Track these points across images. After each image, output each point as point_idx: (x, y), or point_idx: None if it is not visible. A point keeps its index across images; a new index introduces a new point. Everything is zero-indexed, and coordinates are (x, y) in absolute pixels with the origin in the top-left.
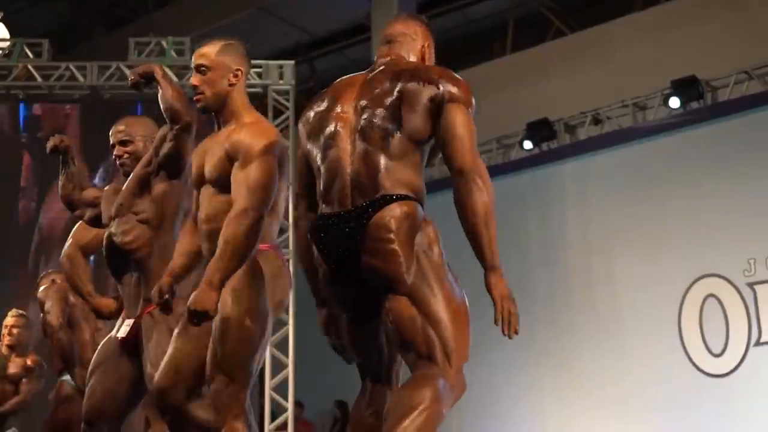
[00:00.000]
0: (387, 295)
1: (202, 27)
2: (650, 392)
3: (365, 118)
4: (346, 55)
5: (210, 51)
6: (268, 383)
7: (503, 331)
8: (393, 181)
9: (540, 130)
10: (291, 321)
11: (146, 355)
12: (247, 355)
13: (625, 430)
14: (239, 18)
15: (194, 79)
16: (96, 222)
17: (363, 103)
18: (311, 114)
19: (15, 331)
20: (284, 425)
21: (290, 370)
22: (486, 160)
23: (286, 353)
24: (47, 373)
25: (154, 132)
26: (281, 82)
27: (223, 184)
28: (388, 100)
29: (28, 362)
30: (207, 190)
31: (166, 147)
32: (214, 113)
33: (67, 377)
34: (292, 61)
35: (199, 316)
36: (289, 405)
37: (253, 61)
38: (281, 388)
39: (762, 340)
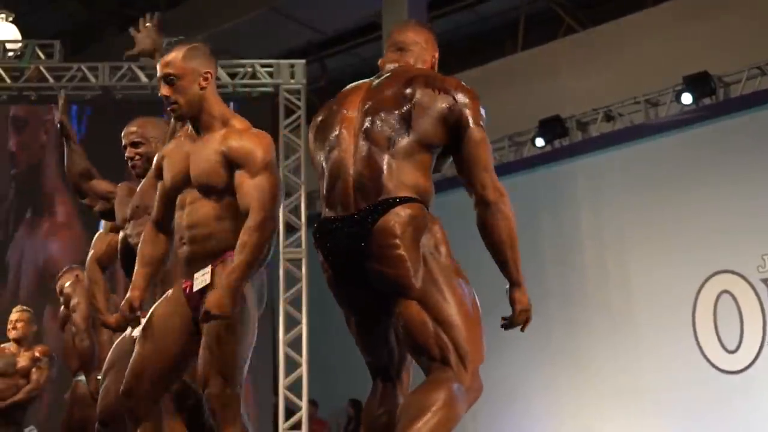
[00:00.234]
0: (396, 300)
1: (214, 27)
2: (665, 389)
3: (370, 120)
4: (357, 54)
5: (175, 58)
6: (282, 382)
7: (505, 327)
8: (396, 182)
9: (552, 127)
10: (304, 320)
11: None
12: (244, 356)
13: (641, 427)
14: (250, 17)
15: (164, 89)
16: (105, 215)
17: (369, 105)
18: (319, 120)
19: (19, 325)
20: (298, 424)
21: (304, 369)
22: (498, 158)
23: (299, 352)
24: (58, 363)
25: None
26: (292, 81)
27: (213, 190)
28: (398, 103)
29: (37, 354)
30: (190, 195)
31: None
32: (191, 119)
33: (82, 377)
34: (303, 61)
35: (215, 318)
36: (303, 404)
37: (265, 61)
38: (295, 387)
39: None
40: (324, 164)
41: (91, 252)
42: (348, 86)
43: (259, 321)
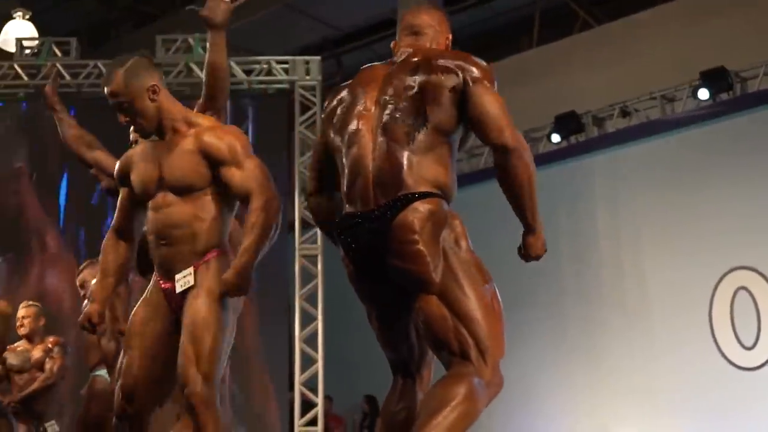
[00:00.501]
0: (416, 295)
1: (229, 23)
2: (682, 386)
3: (388, 114)
4: (372, 51)
5: (119, 85)
6: (298, 378)
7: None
8: (416, 177)
9: (568, 123)
10: (320, 317)
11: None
12: (222, 354)
13: (657, 425)
14: (266, 14)
15: (121, 117)
16: (111, 192)
17: (385, 98)
18: (335, 106)
19: (26, 321)
20: (314, 420)
21: (320, 365)
22: None
23: (315, 348)
24: (72, 354)
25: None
26: (308, 77)
27: (190, 190)
28: (410, 94)
29: (49, 344)
30: (163, 198)
31: None
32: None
33: (100, 372)
34: (319, 57)
35: (236, 295)
36: (319, 400)
37: (280, 57)
38: (311, 383)
39: None
40: (344, 160)
41: None
42: (364, 70)
43: (275, 317)
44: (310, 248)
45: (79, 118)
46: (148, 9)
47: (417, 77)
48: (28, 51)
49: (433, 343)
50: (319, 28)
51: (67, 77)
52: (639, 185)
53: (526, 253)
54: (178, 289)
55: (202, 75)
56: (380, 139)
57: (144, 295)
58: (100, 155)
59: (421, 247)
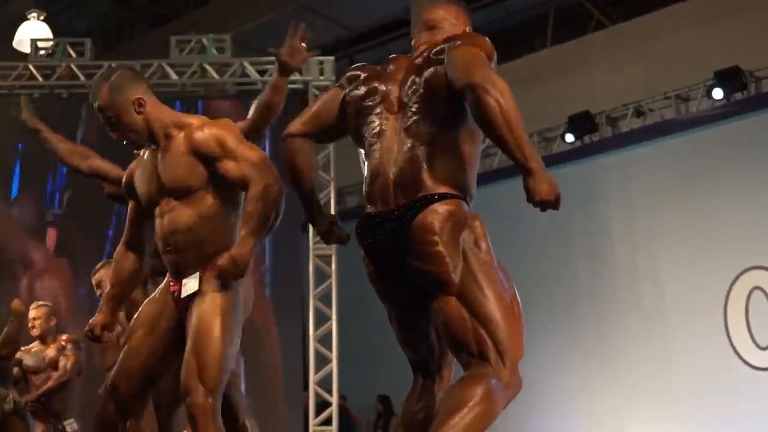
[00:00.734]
0: (435, 296)
1: (243, 24)
2: (696, 386)
3: (410, 116)
4: (386, 50)
5: (105, 101)
6: (312, 378)
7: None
8: (436, 178)
9: (582, 122)
10: (334, 316)
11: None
12: (227, 365)
13: (672, 424)
14: (279, 14)
15: (111, 133)
16: (115, 198)
17: (405, 98)
18: (359, 94)
19: (37, 322)
20: (329, 420)
21: (334, 365)
22: None
23: (329, 348)
24: (86, 351)
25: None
26: (321, 77)
27: (190, 191)
28: (420, 94)
29: (62, 343)
30: (167, 204)
31: None
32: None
33: None
34: (332, 57)
35: (233, 277)
36: (334, 399)
37: None
38: (325, 383)
39: None
40: (366, 159)
41: None
42: (388, 62)
43: (289, 317)
44: (324, 248)
45: (93, 119)
46: (162, 10)
47: (422, 76)
48: (42, 52)
49: (451, 343)
50: (332, 28)
51: (82, 78)
52: (653, 185)
53: (531, 200)
54: (184, 293)
55: (216, 76)
56: (404, 140)
57: (154, 294)
58: (96, 163)
59: (440, 248)
